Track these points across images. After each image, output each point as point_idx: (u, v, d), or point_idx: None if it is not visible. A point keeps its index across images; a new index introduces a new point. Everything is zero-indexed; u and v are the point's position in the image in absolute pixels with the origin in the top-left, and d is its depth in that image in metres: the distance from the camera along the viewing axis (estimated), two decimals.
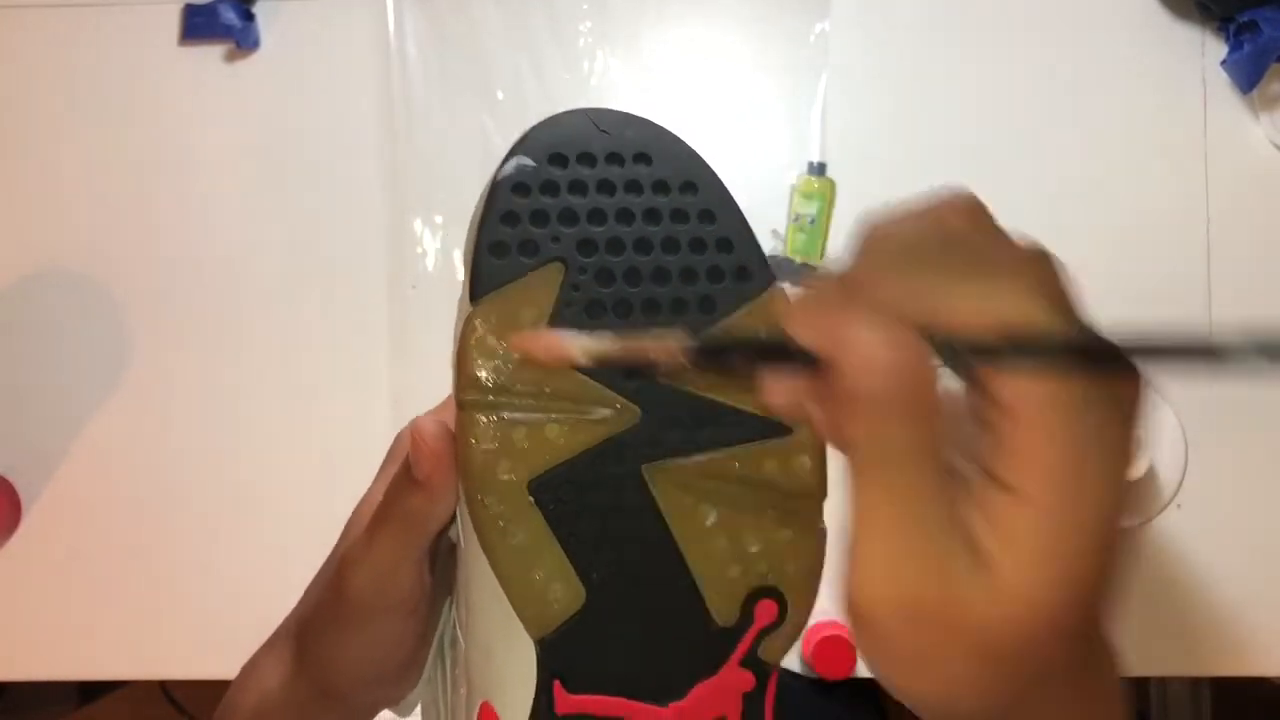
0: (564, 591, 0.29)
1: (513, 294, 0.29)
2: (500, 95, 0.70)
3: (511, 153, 0.30)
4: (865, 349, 0.21)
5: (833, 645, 0.62)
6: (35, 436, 0.70)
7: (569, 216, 0.29)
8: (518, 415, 0.29)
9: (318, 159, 0.70)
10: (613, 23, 0.70)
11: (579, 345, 0.28)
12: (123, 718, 1.16)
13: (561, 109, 0.79)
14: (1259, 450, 0.67)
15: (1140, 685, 1.21)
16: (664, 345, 0.27)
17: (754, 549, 0.29)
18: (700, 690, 0.29)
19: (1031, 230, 0.73)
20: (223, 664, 0.70)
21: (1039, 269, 0.22)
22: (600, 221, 0.29)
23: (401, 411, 0.68)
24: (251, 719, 0.38)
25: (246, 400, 0.69)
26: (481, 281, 0.29)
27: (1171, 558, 0.67)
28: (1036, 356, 0.21)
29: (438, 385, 0.73)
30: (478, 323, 0.29)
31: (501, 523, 0.29)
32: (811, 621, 0.68)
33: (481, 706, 0.30)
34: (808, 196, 0.69)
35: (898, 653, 0.22)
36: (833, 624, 0.64)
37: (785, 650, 0.30)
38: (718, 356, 0.27)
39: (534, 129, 0.30)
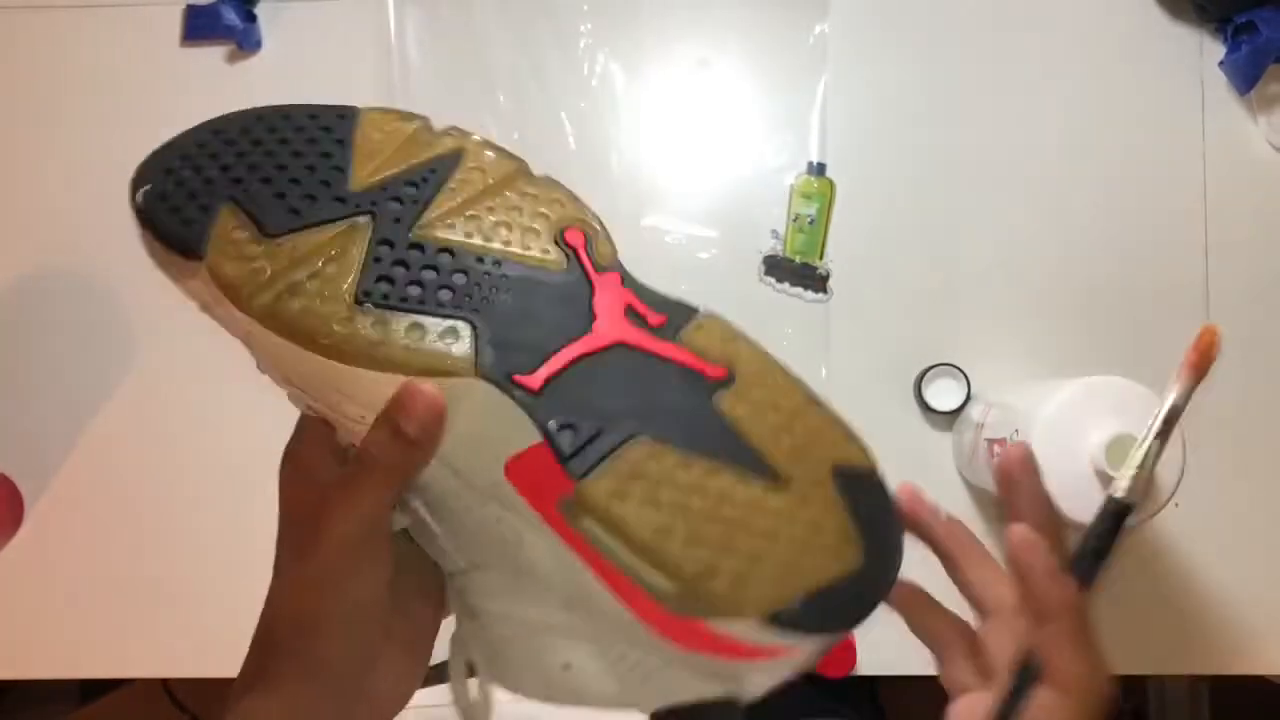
0: (438, 338, 0.33)
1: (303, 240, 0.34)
2: (500, 96, 0.70)
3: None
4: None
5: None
6: (37, 436, 0.70)
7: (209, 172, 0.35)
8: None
9: None
10: (613, 24, 0.70)
11: None
12: (124, 717, 1.16)
13: (561, 109, 0.79)
14: (1257, 449, 0.67)
15: (1138, 684, 1.21)
16: None
17: (543, 209, 0.36)
18: (600, 304, 0.34)
19: (1031, 229, 0.73)
20: (224, 663, 0.70)
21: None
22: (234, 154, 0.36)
23: None
24: None
25: (247, 400, 0.70)
26: (191, 224, 0.34)
27: (1169, 556, 0.67)
28: None
29: None
30: (230, 237, 0.34)
31: (370, 333, 0.33)
32: None
33: (507, 470, 0.32)
34: (807, 196, 0.69)
35: None
36: None
37: (611, 251, 0.36)
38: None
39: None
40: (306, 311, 0.32)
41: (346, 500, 0.34)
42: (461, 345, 0.33)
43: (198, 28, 0.70)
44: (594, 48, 0.70)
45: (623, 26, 0.70)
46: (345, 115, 0.37)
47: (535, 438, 0.32)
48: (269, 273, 0.33)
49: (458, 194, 0.35)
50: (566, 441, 0.32)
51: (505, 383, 0.32)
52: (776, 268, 0.69)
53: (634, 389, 0.33)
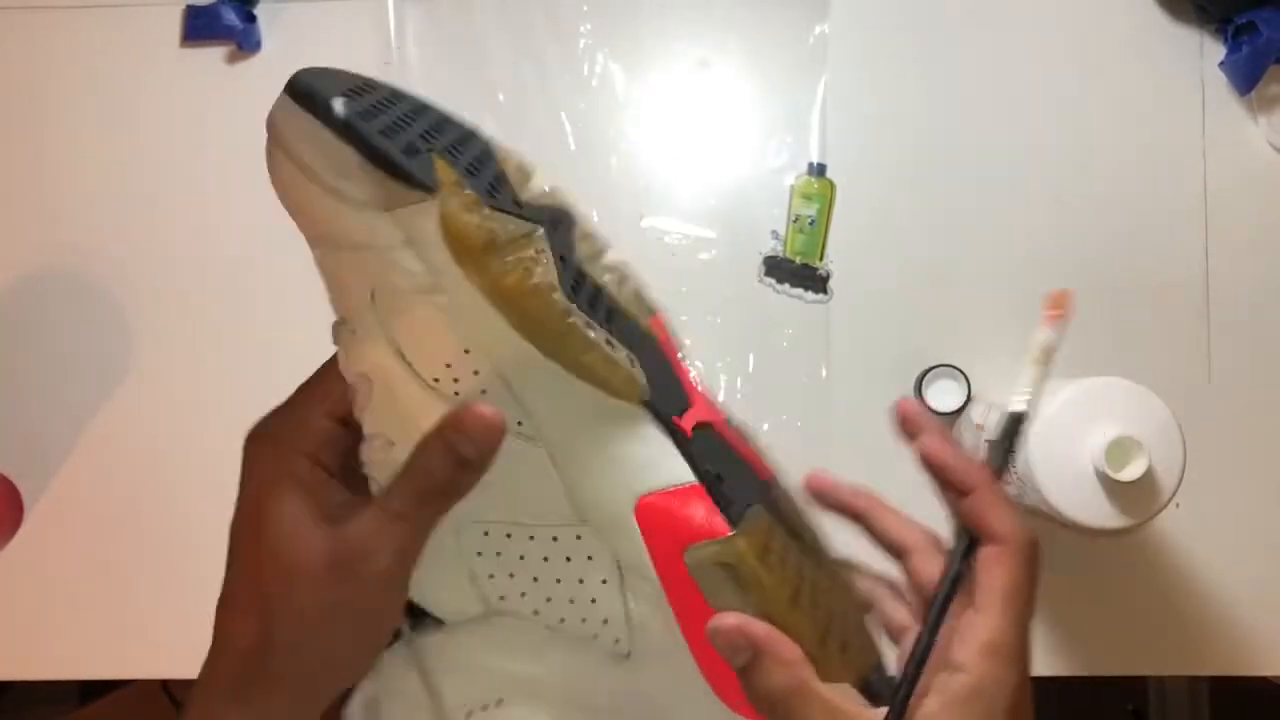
0: (627, 358, 0.32)
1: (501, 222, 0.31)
2: (500, 96, 0.70)
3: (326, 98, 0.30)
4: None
5: None
6: (37, 436, 0.70)
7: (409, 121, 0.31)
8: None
9: None
10: (613, 23, 0.70)
11: None
12: (123, 717, 1.16)
13: (561, 109, 0.79)
14: (1258, 449, 0.67)
15: (1138, 684, 1.21)
16: None
17: (637, 288, 0.36)
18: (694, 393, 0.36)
19: (1031, 230, 0.73)
20: None
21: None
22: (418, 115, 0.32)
23: None
24: None
25: (247, 400, 0.69)
26: (414, 161, 0.30)
27: (1170, 557, 0.67)
28: None
29: None
30: (463, 190, 0.30)
31: (586, 332, 0.31)
32: None
33: (640, 505, 0.32)
34: (807, 197, 0.69)
35: None
36: None
37: (681, 345, 0.37)
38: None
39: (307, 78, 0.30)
40: (538, 292, 0.30)
41: (387, 531, 0.32)
42: (637, 373, 0.32)
43: (198, 28, 0.70)
44: (594, 48, 0.70)
45: (623, 26, 0.70)
46: (474, 128, 0.35)
47: (688, 479, 0.32)
48: (499, 239, 0.30)
49: (584, 246, 0.34)
50: (721, 490, 0.32)
51: (667, 420, 0.33)
52: (776, 268, 0.69)
53: (732, 465, 0.34)
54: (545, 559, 0.33)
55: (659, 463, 0.32)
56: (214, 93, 0.71)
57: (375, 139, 0.29)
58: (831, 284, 0.69)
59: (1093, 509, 0.53)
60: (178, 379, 0.70)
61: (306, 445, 0.35)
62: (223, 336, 0.70)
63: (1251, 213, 0.68)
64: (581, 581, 0.33)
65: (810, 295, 0.69)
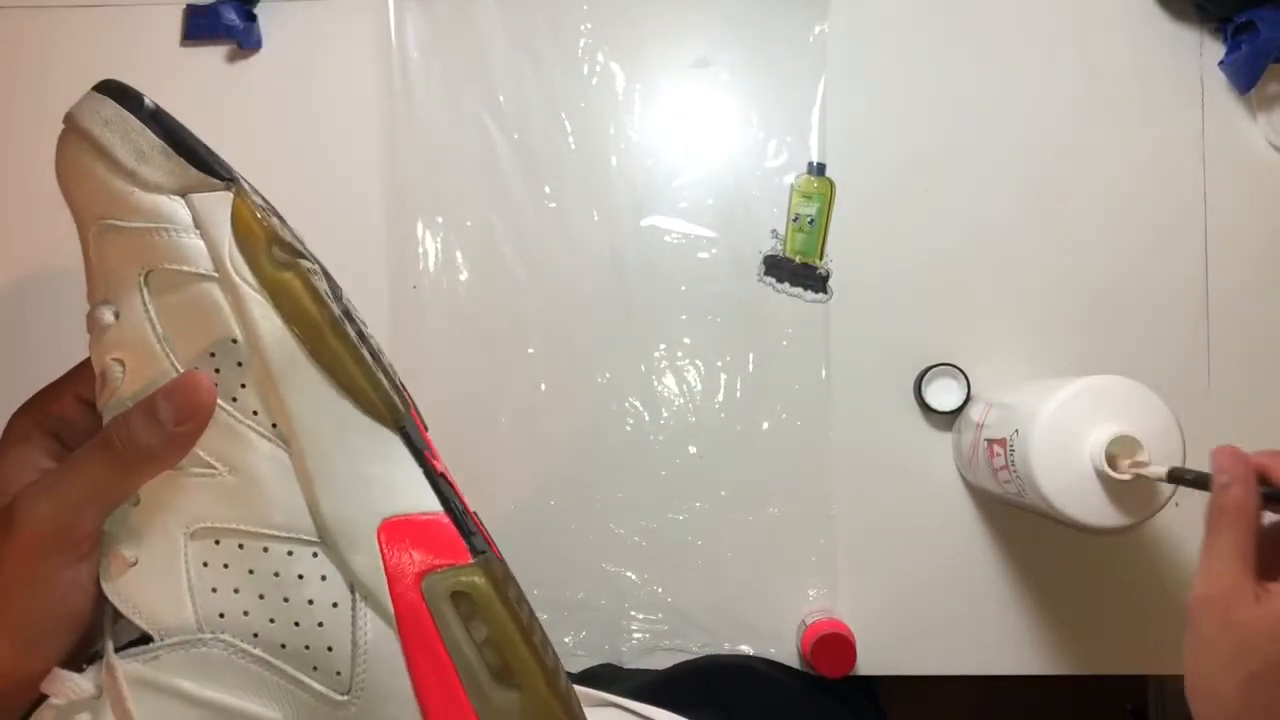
0: (389, 385, 0.33)
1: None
2: (501, 96, 0.70)
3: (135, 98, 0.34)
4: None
5: (832, 644, 0.63)
6: None
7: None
8: (309, 266, 0.33)
9: (319, 160, 0.70)
10: (613, 23, 0.70)
11: None
12: None
13: (561, 109, 0.79)
14: (1254, 447, 0.67)
15: (1138, 684, 1.21)
16: None
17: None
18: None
19: (1030, 229, 0.73)
20: None
21: None
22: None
23: None
24: None
25: None
26: (215, 159, 0.33)
27: (1169, 556, 0.67)
28: None
29: (439, 383, 0.73)
30: (251, 195, 0.33)
31: (358, 346, 0.32)
32: (810, 620, 0.68)
33: (384, 526, 0.32)
34: (807, 196, 0.69)
35: (1192, 632, 0.44)
36: (832, 623, 0.64)
37: None
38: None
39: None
40: (315, 295, 0.32)
41: (58, 485, 0.29)
42: (393, 400, 0.32)
43: (198, 28, 0.70)
44: (594, 47, 0.70)
45: (623, 26, 0.70)
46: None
47: (435, 508, 0.32)
48: (284, 241, 0.32)
49: (349, 306, 0.36)
50: (464, 524, 0.32)
51: (419, 451, 0.33)
52: (776, 268, 0.69)
53: (467, 517, 0.34)
54: (276, 574, 0.31)
55: (407, 487, 0.32)
56: (214, 93, 0.71)
57: (181, 129, 0.33)
58: (831, 283, 0.69)
59: (1092, 507, 0.53)
60: None
61: (46, 420, 0.34)
62: None
63: (1251, 212, 0.68)
64: (311, 603, 0.31)
65: (810, 294, 0.69)
